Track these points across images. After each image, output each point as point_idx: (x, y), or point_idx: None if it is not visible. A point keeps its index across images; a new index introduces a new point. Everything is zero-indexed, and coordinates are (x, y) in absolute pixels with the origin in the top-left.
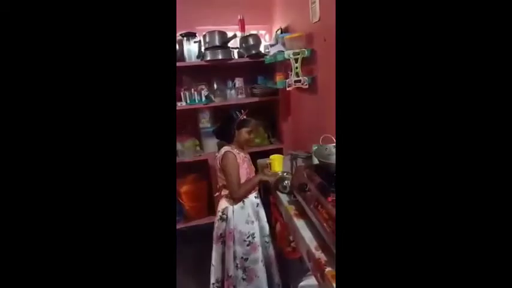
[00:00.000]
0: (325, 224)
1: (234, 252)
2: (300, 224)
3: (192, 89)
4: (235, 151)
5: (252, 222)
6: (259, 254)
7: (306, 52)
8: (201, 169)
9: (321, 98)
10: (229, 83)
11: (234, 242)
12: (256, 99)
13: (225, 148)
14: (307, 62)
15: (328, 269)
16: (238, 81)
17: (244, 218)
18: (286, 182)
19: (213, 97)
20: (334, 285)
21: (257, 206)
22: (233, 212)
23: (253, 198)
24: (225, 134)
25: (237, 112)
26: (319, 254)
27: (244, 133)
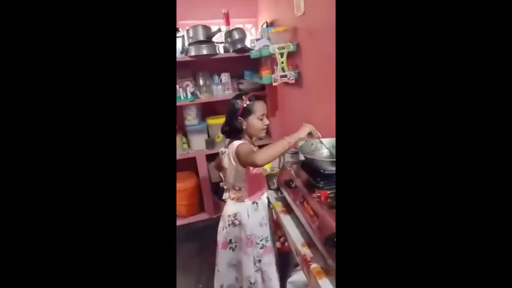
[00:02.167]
0: (310, 221)
1: (254, 258)
2: (287, 220)
3: (177, 86)
4: (248, 143)
5: (266, 224)
6: (272, 257)
7: (292, 46)
8: (190, 167)
9: (307, 92)
10: (216, 79)
11: (253, 248)
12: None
13: (237, 142)
14: (293, 57)
15: (313, 265)
16: (225, 77)
17: (258, 220)
18: (273, 178)
19: (199, 93)
20: (320, 281)
21: (268, 206)
22: (248, 216)
23: (264, 198)
24: (234, 129)
25: (238, 100)
26: (305, 251)
27: (254, 121)
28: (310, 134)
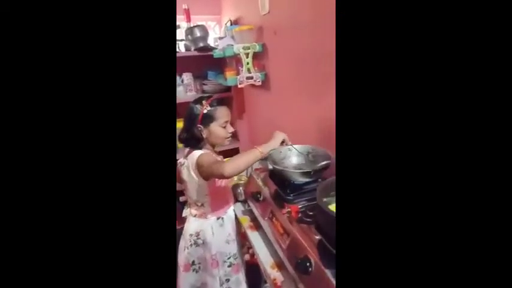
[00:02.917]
0: (280, 240)
1: (220, 279)
2: (254, 237)
3: None
4: (211, 153)
5: (233, 240)
6: (242, 275)
7: (257, 47)
8: None
9: (275, 95)
10: (177, 79)
11: (219, 269)
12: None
13: (197, 152)
14: (259, 58)
15: None
16: (187, 77)
17: (224, 238)
18: (240, 188)
19: None
20: None
21: (234, 219)
22: (213, 234)
23: (231, 212)
24: (193, 137)
25: (198, 105)
26: (275, 274)
27: (216, 128)
28: (282, 142)
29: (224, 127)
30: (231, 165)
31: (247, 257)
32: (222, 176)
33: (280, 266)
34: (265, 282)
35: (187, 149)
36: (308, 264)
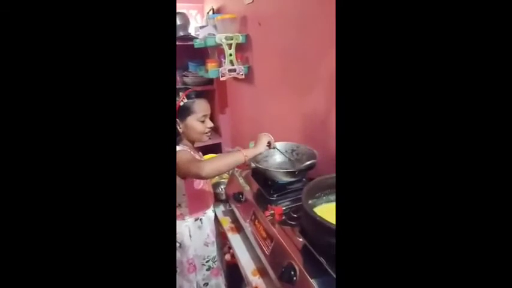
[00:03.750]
0: (263, 244)
1: (198, 284)
2: (235, 240)
3: None
4: (189, 150)
5: (212, 243)
6: (221, 278)
7: (241, 37)
8: None
9: (259, 89)
10: None
11: (196, 273)
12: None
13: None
14: (243, 49)
15: None
16: None
17: (202, 240)
18: (221, 187)
19: None
20: None
21: (214, 220)
22: (190, 236)
23: (210, 212)
24: None
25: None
26: (257, 281)
27: (193, 122)
28: (268, 144)
29: (203, 121)
30: (210, 165)
31: (227, 257)
32: (199, 176)
33: (262, 272)
34: (246, 285)
35: None
36: (292, 273)
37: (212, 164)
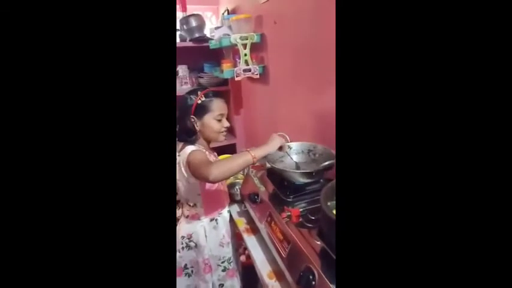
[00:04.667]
0: (279, 247)
1: (213, 284)
2: (251, 242)
3: None
4: (204, 150)
5: (228, 244)
6: (237, 280)
7: (255, 37)
8: None
9: (274, 89)
10: None
11: (212, 274)
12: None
13: (190, 147)
14: (257, 49)
15: None
16: (182, 70)
17: (218, 240)
18: (236, 187)
19: None
20: None
21: (230, 221)
22: (206, 236)
23: (225, 213)
24: (185, 130)
25: (192, 96)
26: (273, 284)
27: (210, 121)
28: (280, 148)
29: (219, 120)
30: (217, 169)
31: (243, 258)
32: (207, 180)
33: (278, 275)
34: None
35: (180, 144)
36: (311, 277)
37: (219, 167)
